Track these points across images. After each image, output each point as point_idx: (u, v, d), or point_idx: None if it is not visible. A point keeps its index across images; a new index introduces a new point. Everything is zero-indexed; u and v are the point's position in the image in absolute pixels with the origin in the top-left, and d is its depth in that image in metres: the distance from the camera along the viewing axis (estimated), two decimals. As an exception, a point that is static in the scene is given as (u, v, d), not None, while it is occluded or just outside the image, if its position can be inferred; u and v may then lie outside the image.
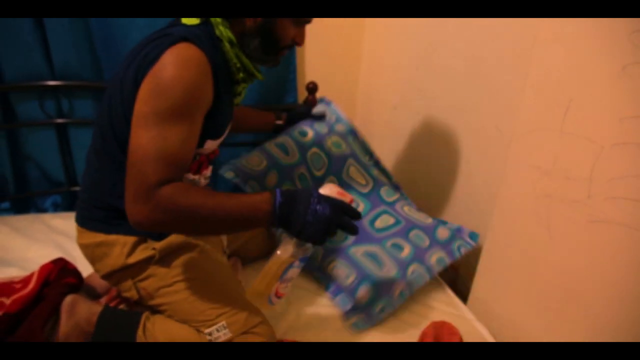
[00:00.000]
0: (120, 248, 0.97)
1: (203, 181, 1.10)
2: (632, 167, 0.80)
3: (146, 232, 0.99)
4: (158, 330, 0.97)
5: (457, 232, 1.36)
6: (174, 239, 1.00)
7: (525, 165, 1.02)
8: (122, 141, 0.89)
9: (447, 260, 1.29)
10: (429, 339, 1.07)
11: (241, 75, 0.97)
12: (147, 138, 0.80)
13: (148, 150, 0.79)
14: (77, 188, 1.59)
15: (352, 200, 0.89)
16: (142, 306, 1.05)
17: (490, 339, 1.12)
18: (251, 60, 0.97)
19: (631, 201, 0.81)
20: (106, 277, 1.03)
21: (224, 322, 0.95)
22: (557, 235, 0.97)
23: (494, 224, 1.16)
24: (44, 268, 1.10)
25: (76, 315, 0.99)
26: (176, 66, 0.80)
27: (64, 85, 1.44)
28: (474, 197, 1.38)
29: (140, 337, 0.97)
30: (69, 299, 1.01)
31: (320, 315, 1.18)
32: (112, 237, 0.98)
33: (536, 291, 1.06)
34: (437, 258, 1.28)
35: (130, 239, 0.98)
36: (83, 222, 1.03)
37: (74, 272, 1.14)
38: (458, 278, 1.45)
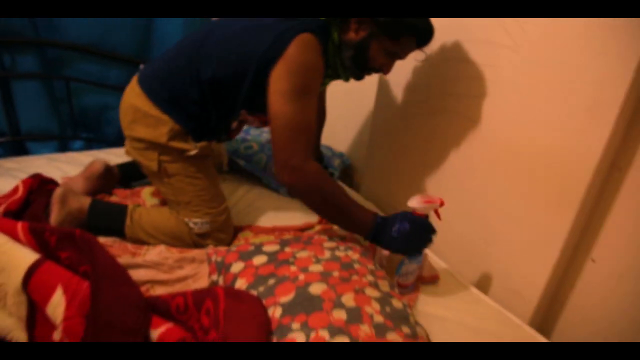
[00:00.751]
0: (167, 130, 1.19)
1: None
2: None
3: (189, 128, 1.22)
4: (144, 219, 1.26)
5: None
6: (205, 145, 1.26)
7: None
8: (203, 80, 1.16)
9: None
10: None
11: (329, 72, 1.21)
12: (292, 110, 1.06)
13: (294, 121, 1.06)
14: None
15: (441, 202, 1.11)
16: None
17: (375, 209, 1.61)
18: (342, 65, 1.21)
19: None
20: (136, 140, 1.24)
21: (208, 220, 1.26)
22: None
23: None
24: (25, 181, 1.33)
25: (68, 206, 1.22)
26: (305, 51, 1.06)
27: (5, 41, 1.64)
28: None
29: (128, 225, 1.24)
30: (59, 190, 1.22)
31: (266, 204, 1.57)
32: (165, 117, 1.19)
33: (408, 177, 1.58)
34: (338, 163, 1.78)
35: (178, 127, 1.20)
36: (149, 90, 1.21)
37: (53, 181, 1.38)
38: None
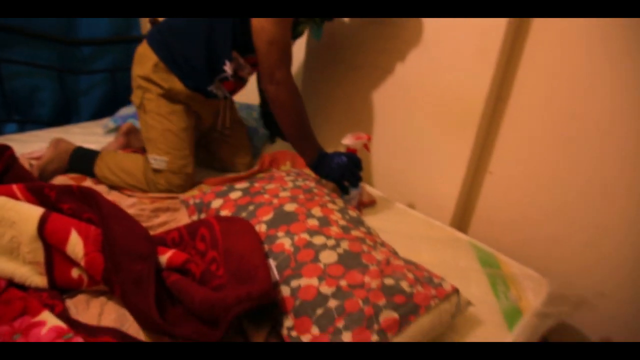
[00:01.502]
0: (152, 65, 1.37)
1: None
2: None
3: (174, 72, 1.38)
4: (112, 159, 1.45)
5: None
6: (180, 89, 1.39)
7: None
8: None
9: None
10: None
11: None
12: (273, 28, 1.20)
13: (276, 38, 1.21)
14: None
15: (369, 137, 1.36)
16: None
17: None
18: None
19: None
20: (133, 80, 1.44)
21: (167, 158, 1.41)
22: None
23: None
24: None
25: (59, 147, 1.47)
26: None
27: None
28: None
29: (97, 164, 1.45)
30: (55, 138, 1.49)
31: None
32: (154, 57, 1.37)
33: (337, 123, 1.82)
34: None
35: (162, 66, 1.37)
36: (148, 35, 1.42)
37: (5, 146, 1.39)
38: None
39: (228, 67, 1.39)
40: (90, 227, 1.01)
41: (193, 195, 1.27)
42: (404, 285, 0.93)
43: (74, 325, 0.90)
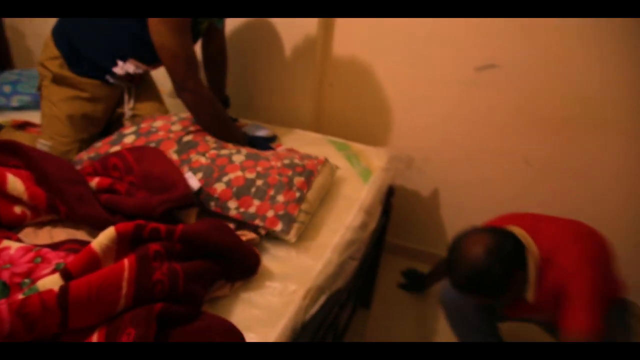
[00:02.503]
0: (49, 51, 1.45)
1: None
2: None
3: (67, 60, 1.45)
4: (4, 135, 1.51)
5: None
6: (68, 75, 1.45)
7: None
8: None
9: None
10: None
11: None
12: (174, 42, 1.27)
13: (178, 51, 1.28)
14: None
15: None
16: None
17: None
18: None
19: None
20: (39, 64, 1.50)
21: (50, 143, 1.49)
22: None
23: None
24: None
25: None
26: None
27: None
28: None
29: None
30: None
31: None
32: (53, 46, 1.44)
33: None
34: None
35: (57, 53, 1.44)
36: (54, 29, 1.47)
37: None
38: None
39: (119, 68, 1.47)
40: (21, 171, 1.14)
41: (86, 151, 1.39)
42: (297, 161, 1.30)
43: (36, 245, 1.07)
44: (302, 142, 1.69)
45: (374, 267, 1.80)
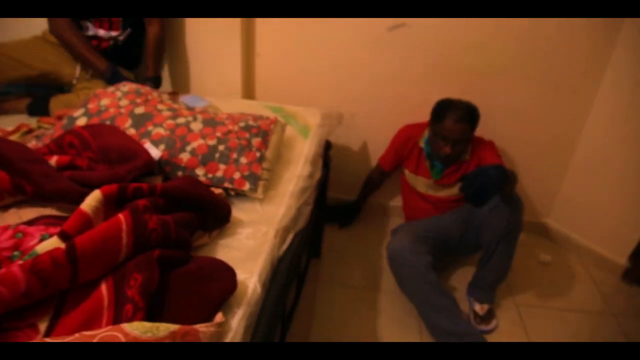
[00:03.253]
0: None
1: None
2: None
3: None
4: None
5: None
6: None
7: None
8: None
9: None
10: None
11: None
12: None
13: None
14: None
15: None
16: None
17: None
18: None
19: None
20: None
21: None
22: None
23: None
24: None
25: None
26: None
27: None
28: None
29: None
30: None
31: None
32: None
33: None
34: None
35: None
36: None
37: None
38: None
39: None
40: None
41: (38, 138, 1.40)
42: (252, 122, 1.42)
43: (9, 225, 1.10)
44: (240, 109, 1.79)
45: (320, 219, 1.98)
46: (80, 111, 1.43)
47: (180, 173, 1.30)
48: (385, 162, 2.11)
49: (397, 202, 2.25)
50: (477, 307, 1.79)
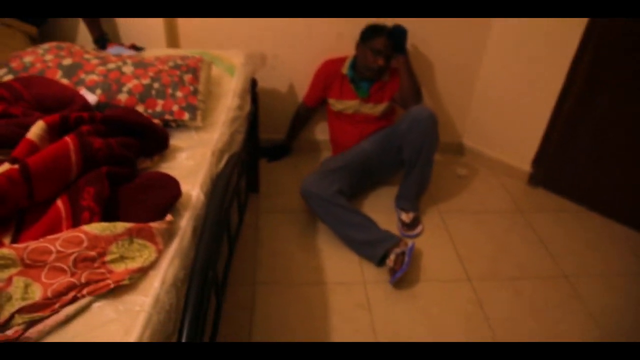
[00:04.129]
0: None
1: None
2: None
3: None
4: None
5: None
6: None
7: None
8: None
9: None
10: None
11: None
12: None
13: None
14: None
15: None
16: None
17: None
18: None
19: None
20: None
21: None
22: None
23: None
24: None
25: None
26: None
27: None
28: None
29: None
30: None
31: None
32: None
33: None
34: None
35: None
36: None
37: None
38: None
39: None
40: None
41: None
42: (179, 62, 1.51)
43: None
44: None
45: (254, 156, 2.12)
46: (3, 70, 1.43)
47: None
48: (309, 99, 2.26)
49: (326, 135, 2.41)
50: (404, 216, 2.02)
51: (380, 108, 2.11)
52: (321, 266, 1.83)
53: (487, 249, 1.97)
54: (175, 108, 1.40)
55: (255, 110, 1.95)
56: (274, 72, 2.27)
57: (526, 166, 2.39)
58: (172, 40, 2.15)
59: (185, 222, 1.06)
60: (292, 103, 2.38)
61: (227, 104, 1.57)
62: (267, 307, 1.65)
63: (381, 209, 2.14)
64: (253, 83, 1.87)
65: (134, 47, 1.91)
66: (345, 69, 2.08)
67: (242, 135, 1.56)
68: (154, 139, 1.26)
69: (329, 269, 1.82)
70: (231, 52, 1.92)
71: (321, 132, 2.50)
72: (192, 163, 1.28)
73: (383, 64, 1.96)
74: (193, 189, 1.16)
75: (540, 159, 2.33)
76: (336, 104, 2.14)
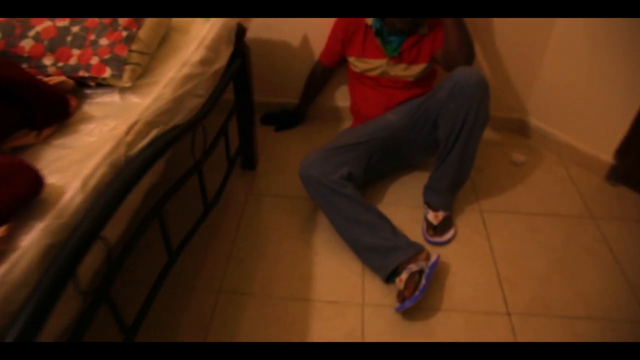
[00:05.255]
0: None
1: None
2: None
3: None
4: None
5: None
6: None
7: None
8: None
9: None
10: None
11: None
12: None
13: None
14: None
15: None
16: None
17: None
18: None
19: None
20: None
21: None
22: None
23: None
24: None
25: None
26: None
27: None
28: None
29: None
30: None
31: None
32: None
33: None
34: None
35: None
36: None
37: None
38: None
39: None
40: None
41: None
42: None
43: None
44: None
45: (249, 127, 1.70)
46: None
47: (24, 66, 1.02)
48: (326, 56, 1.79)
49: (347, 102, 1.94)
50: (431, 216, 1.55)
51: (415, 70, 1.60)
52: (312, 275, 1.41)
53: (540, 269, 1.46)
54: (94, 61, 1.02)
55: (245, 66, 1.52)
56: (284, 19, 1.80)
57: (607, 156, 1.80)
58: None
59: (30, 240, 0.67)
60: (307, 60, 1.91)
61: (185, 57, 1.15)
62: (227, 326, 1.27)
63: (406, 202, 1.67)
64: (240, 31, 1.43)
65: None
66: (370, 19, 1.58)
67: (201, 100, 1.14)
68: (43, 109, 0.88)
69: (321, 281, 1.40)
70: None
71: (342, 97, 2.02)
72: (92, 140, 0.89)
73: None
74: (71, 183, 0.77)
75: (627, 148, 1.72)
76: (358, 64, 1.66)
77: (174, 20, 1.28)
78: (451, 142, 1.44)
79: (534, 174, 1.85)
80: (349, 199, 1.39)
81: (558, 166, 1.89)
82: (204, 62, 1.18)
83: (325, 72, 1.87)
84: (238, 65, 1.43)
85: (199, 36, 1.24)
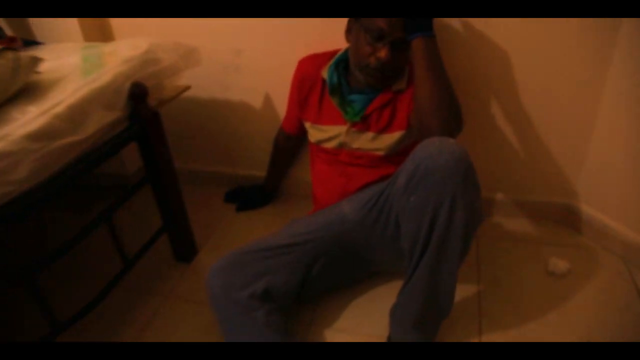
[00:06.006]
0: None
1: None
2: None
3: None
4: None
5: None
6: None
7: None
8: None
9: None
10: None
11: None
12: None
13: None
14: None
15: None
16: None
17: None
18: None
19: None
20: None
21: None
22: None
23: None
24: None
25: None
26: None
27: None
28: None
29: None
30: None
31: None
32: None
33: None
34: None
35: None
36: None
37: None
38: None
39: None
40: None
41: None
42: None
43: None
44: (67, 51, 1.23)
45: (175, 209, 1.33)
46: None
47: None
48: (287, 121, 1.40)
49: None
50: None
51: (387, 141, 1.16)
52: None
53: None
54: None
55: (150, 134, 1.17)
56: (240, 77, 1.47)
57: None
58: (104, 33, 1.50)
59: None
60: (271, 125, 1.53)
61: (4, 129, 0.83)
62: None
63: (366, 330, 1.17)
64: (137, 90, 1.08)
65: (26, 42, 1.31)
66: (325, 71, 1.19)
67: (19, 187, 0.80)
68: None
69: None
70: (131, 43, 1.18)
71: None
72: None
73: (388, 57, 1.03)
74: None
75: None
76: (312, 132, 1.26)
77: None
78: (416, 256, 0.94)
79: (584, 292, 1.25)
80: (257, 327, 0.95)
81: (623, 280, 1.28)
82: (45, 135, 0.85)
83: (289, 141, 1.48)
84: (143, 132, 1.10)
85: (55, 98, 0.93)
